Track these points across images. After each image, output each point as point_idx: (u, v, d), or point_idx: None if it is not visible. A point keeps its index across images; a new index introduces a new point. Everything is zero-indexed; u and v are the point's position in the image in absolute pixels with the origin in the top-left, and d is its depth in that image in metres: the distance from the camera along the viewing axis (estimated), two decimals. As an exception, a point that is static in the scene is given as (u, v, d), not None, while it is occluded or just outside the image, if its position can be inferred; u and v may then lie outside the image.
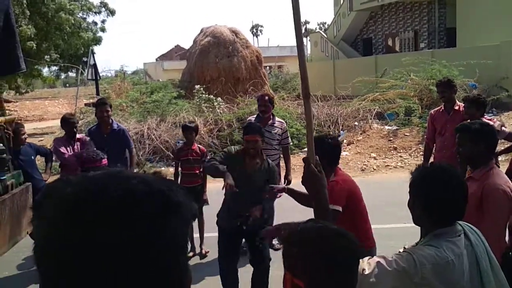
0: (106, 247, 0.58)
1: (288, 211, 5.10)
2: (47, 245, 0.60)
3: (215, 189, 4.76)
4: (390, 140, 11.42)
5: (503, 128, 4.55)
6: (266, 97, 5.52)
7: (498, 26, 15.71)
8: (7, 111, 23.52)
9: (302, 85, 1.84)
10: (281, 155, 5.73)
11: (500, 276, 1.92)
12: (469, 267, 1.82)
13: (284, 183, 5.50)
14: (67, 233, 0.58)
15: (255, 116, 5.70)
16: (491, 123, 4.53)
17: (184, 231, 0.66)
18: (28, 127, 18.85)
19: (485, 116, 4.79)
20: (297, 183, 5.29)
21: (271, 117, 5.48)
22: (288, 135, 5.64)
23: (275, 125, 5.45)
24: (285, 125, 5.67)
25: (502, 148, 5.26)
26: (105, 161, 4.00)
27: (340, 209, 3.01)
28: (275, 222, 4.90)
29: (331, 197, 3.14)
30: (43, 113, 26.63)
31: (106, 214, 0.59)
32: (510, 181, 2.89)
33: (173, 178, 5.72)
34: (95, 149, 4.42)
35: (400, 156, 10.48)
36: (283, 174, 5.69)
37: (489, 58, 12.65)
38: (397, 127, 11.91)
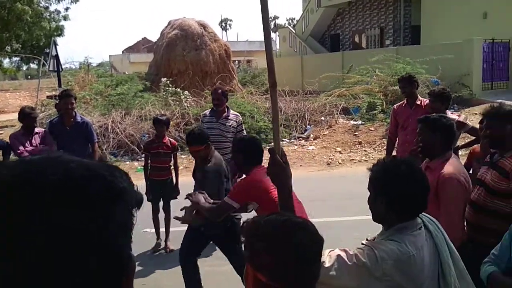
0: (40, 232, 0.55)
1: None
2: None
3: (189, 183, 4.69)
4: (355, 134, 11.61)
5: (467, 121, 4.69)
6: (220, 91, 5.52)
7: (461, 24, 16.18)
8: (-36, 103, 22.42)
9: (269, 73, 1.83)
10: None
11: (460, 266, 1.95)
12: (429, 259, 1.82)
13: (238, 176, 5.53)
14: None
15: (209, 110, 5.69)
16: (455, 116, 4.66)
17: (127, 218, 0.64)
18: (-13, 120, 18.15)
19: (447, 111, 4.91)
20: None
21: (226, 109, 5.48)
22: (243, 128, 5.66)
23: (229, 117, 5.45)
24: (240, 117, 5.69)
25: (463, 142, 5.42)
26: None
27: (236, 205, 3.16)
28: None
29: (232, 191, 3.28)
30: (3, 105, 25.62)
31: (42, 198, 0.56)
32: (466, 171, 2.98)
33: (143, 172, 5.63)
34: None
35: (365, 151, 10.67)
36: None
37: (452, 55, 13.01)
38: (362, 122, 12.12)
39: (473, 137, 4.84)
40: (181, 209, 3.57)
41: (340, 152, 10.75)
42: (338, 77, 14.74)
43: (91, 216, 0.58)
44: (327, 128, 12.19)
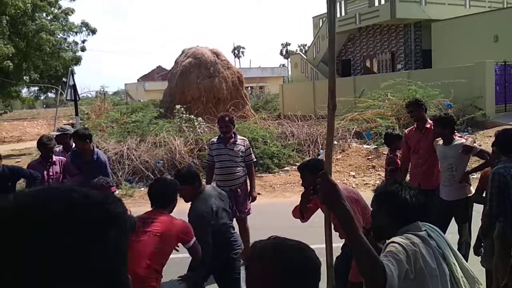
0: (46, 256, 0.61)
1: (261, 229, 5.13)
2: None
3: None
4: (369, 158, 11.58)
5: (474, 144, 4.65)
6: (227, 118, 5.58)
7: (472, 48, 16.25)
8: (-16, 133, 22.81)
9: (330, 96, 1.90)
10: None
11: (465, 266, 2.19)
12: (434, 255, 2.04)
13: (248, 200, 5.56)
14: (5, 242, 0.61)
15: (216, 137, 5.76)
16: (462, 140, 4.66)
17: (122, 242, 0.70)
18: (6, 148, 18.61)
19: (457, 134, 4.90)
20: (267, 202, 5.32)
21: (233, 135, 5.57)
22: (251, 152, 5.71)
23: (237, 142, 5.53)
24: (248, 142, 5.76)
25: (474, 166, 5.39)
26: (113, 188, 4.01)
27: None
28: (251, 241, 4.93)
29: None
30: (21, 134, 26.23)
31: (48, 226, 0.62)
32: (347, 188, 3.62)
33: None
34: (103, 177, 4.36)
35: (379, 174, 10.62)
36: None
37: (464, 78, 13.03)
38: (375, 146, 12.10)
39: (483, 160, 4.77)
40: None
41: (354, 176, 10.73)
42: (350, 101, 14.82)
43: (89, 241, 0.64)
44: (340, 152, 12.20)
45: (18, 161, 13.54)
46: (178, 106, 13.50)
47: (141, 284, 2.99)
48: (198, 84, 15.92)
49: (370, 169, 11.05)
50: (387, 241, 2.03)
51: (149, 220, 3.27)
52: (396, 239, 1.99)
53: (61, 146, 6.09)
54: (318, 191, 1.78)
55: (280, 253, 1.26)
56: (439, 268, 2.01)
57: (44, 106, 53.31)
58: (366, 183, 10.09)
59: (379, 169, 10.95)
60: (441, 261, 2.05)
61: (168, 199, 3.44)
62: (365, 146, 12.30)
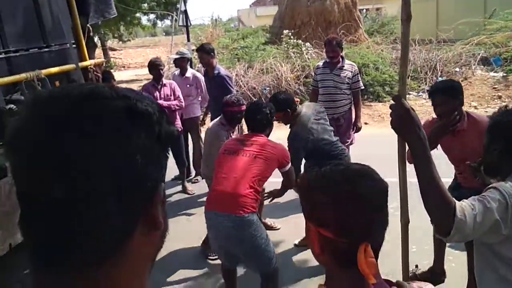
0: (64, 146, 0.54)
1: (364, 159, 4.93)
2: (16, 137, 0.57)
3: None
4: (495, 88, 10.38)
5: None
6: (334, 42, 5.21)
7: None
8: (111, 59, 24.88)
9: (403, 5, 1.66)
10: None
11: None
12: None
13: (352, 130, 5.31)
14: (33, 126, 0.56)
15: (322, 61, 5.47)
16: None
17: (151, 144, 0.60)
18: (130, 74, 20.09)
19: None
20: (374, 132, 5.07)
21: (340, 60, 5.22)
22: (359, 79, 5.32)
23: (344, 68, 5.18)
24: (356, 68, 5.34)
25: None
26: (243, 107, 4.08)
27: None
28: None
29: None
30: (144, 60, 28.06)
31: (69, 111, 0.56)
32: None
33: None
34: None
35: (506, 106, 9.53)
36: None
37: None
38: (504, 74, 10.75)
39: None
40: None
41: (475, 107, 9.76)
42: (479, 23, 13.14)
43: (111, 133, 0.56)
44: (462, 81, 11.05)
45: (140, 86, 14.62)
46: (286, 32, 13.17)
47: (243, 204, 3.07)
48: (308, 7, 15.26)
49: (495, 100, 9.94)
50: (489, 186, 1.76)
51: (247, 142, 3.31)
52: (500, 184, 1.71)
53: (178, 70, 6.34)
54: (390, 116, 1.58)
55: (351, 179, 1.13)
56: None
57: (164, 34, 55.99)
58: (490, 116, 9.14)
59: (506, 100, 9.80)
60: None
61: (264, 122, 3.46)
62: (491, 73, 10.99)
